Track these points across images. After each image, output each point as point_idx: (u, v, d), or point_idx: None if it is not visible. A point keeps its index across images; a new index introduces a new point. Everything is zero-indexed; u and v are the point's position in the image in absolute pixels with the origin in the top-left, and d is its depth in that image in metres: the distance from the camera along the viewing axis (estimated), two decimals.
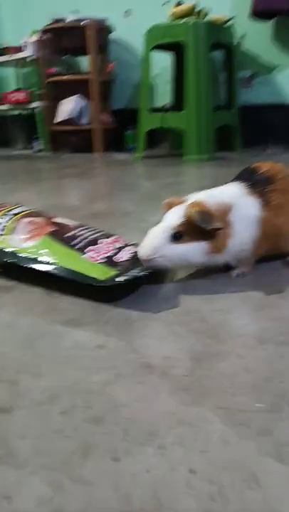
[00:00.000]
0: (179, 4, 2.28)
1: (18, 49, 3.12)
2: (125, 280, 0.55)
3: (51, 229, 0.65)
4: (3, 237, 0.64)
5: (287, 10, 2.17)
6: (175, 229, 0.55)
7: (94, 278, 0.56)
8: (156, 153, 2.74)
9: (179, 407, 0.36)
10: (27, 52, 2.99)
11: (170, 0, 2.66)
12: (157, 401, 0.37)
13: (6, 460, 0.31)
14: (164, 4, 2.73)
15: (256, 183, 0.62)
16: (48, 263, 0.59)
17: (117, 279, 0.55)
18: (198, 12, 2.27)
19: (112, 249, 0.63)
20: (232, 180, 0.65)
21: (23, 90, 3.21)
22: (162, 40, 2.27)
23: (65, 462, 0.31)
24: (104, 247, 0.63)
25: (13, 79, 3.64)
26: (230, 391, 0.37)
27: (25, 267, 0.60)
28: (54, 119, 2.92)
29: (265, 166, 0.65)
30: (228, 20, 2.36)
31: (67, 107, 2.81)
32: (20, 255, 0.61)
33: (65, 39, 2.78)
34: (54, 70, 3.07)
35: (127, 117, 2.97)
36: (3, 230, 0.65)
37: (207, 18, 2.27)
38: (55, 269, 0.58)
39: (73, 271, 0.57)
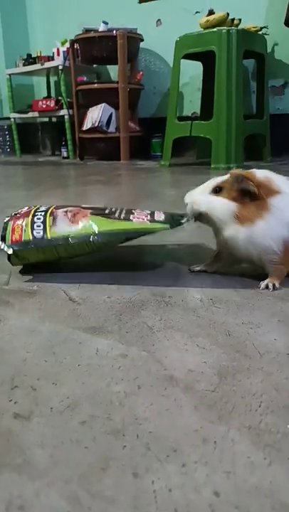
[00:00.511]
0: (211, 13, 2.28)
1: (49, 58, 3.20)
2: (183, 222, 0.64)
3: (89, 211, 0.68)
4: (51, 230, 0.66)
5: None
6: (218, 183, 0.61)
7: (156, 228, 0.65)
8: (183, 161, 2.73)
9: (203, 423, 0.34)
10: (57, 61, 3.06)
11: (202, 9, 2.67)
12: (180, 416, 0.35)
13: (24, 469, 0.30)
14: (196, 13, 2.74)
15: None
16: (110, 232, 0.64)
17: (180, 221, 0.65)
18: (232, 20, 2.26)
19: (147, 214, 0.69)
20: None
21: (52, 98, 3.28)
22: (193, 48, 2.27)
23: (84, 475, 0.29)
24: (141, 214, 0.69)
25: (43, 87, 3.72)
26: (259, 410, 0.35)
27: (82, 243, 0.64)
28: (82, 127, 2.96)
29: None
30: (261, 29, 2.34)
31: (95, 114, 2.85)
32: (75, 235, 0.64)
33: (95, 48, 2.82)
34: (84, 78, 3.12)
35: (154, 125, 2.99)
36: (44, 225, 0.66)
37: (240, 27, 2.26)
38: (120, 234, 0.64)
39: (137, 229, 0.65)
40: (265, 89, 2.50)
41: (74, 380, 0.40)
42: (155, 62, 3.11)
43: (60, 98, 3.13)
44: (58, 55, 3.08)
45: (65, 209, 0.69)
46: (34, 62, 3.27)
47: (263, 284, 0.61)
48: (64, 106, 3.09)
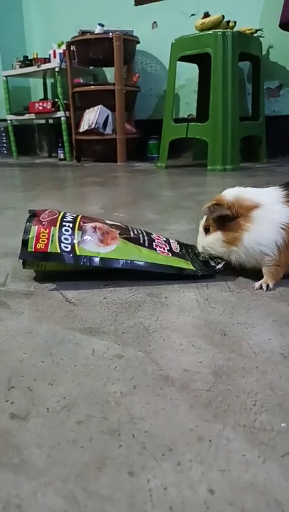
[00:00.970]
0: (206, 16, 2.29)
1: (46, 60, 3.20)
2: (216, 269, 0.67)
3: (117, 231, 0.69)
4: (79, 246, 0.65)
5: None
6: (203, 224, 0.67)
7: (180, 268, 0.65)
8: (179, 163, 2.74)
9: (198, 422, 0.34)
10: (54, 63, 3.06)
11: (198, 12, 2.68)
12: (176, 415, 0.35)
13: (21, 469, 0.30)
14: (191, 16, 2.76)
15: None
16: (138, 262, 0.64)
17: (212, 266, 0.67)
18: (227, 23, 2.27)
19: (164, 242, 0.72)
20: (279, 186, 0.64)
21: (49, 100, 3.28)
22: (189, 51, 2.28)
23: (80, 474, 0.30)
24: (160, 242, 0.71)
25: (40, 89, 3.73)
26: (254, 409, 0.36)
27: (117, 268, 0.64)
28: (79, 129, 2.97)
29: None
30: (256, 31, 2.35)
31: (92, 116, 2.85)
32: (105, 259, 0.64)
33: (91, 50, 2.83)
34: (80, 80, 3.12)
35: (151, 127, 3.00)
36: (72, 239, 0.65)
37: (235, 29, 2.27)
38: (147, 266, 0.64)
39: (162, 265, 0.65)
40: (261, 91, 2.52)
41: (70, 381, 0.40)
42: (151, 65, 3.12)
43: (56, 100, 3.13)
44: (55, 57, 3.09)
45: (93, 224, 0.68)
46: (31, 64, 3.27)
47: (257, 284, 0.62)
48: (61, 108, 3.10)
